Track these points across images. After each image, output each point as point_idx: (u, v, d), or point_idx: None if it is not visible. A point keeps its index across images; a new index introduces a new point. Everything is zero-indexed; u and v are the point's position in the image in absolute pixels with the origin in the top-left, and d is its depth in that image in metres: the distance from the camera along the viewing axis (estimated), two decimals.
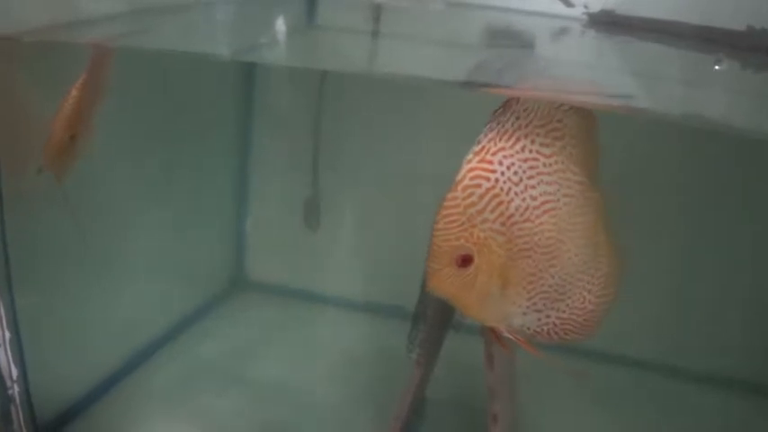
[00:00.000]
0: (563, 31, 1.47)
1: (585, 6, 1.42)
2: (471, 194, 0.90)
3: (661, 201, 1.65)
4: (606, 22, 1.42)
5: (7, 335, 1.33)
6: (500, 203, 0.91)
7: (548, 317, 0.99)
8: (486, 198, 0.90)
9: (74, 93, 1.29)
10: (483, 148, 0.90)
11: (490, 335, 1.02)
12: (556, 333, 1.01)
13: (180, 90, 1.70)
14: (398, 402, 1.44)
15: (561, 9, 1.44)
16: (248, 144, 2.07)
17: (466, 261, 0.91)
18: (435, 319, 1.36)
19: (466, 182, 0.90)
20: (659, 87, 1.26)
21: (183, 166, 1.81)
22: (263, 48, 1.44)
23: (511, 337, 0.99)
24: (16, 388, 1.36)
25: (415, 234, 1.78)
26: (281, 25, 1.55)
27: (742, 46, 1.30)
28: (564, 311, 1.00)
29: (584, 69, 1.35)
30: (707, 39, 1.33)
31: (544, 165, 0.93)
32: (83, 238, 1.42)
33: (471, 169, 0.90)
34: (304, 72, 1.79)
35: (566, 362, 1.14)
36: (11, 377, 1.35)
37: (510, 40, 1.50)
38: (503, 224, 0.91)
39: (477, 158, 0.90)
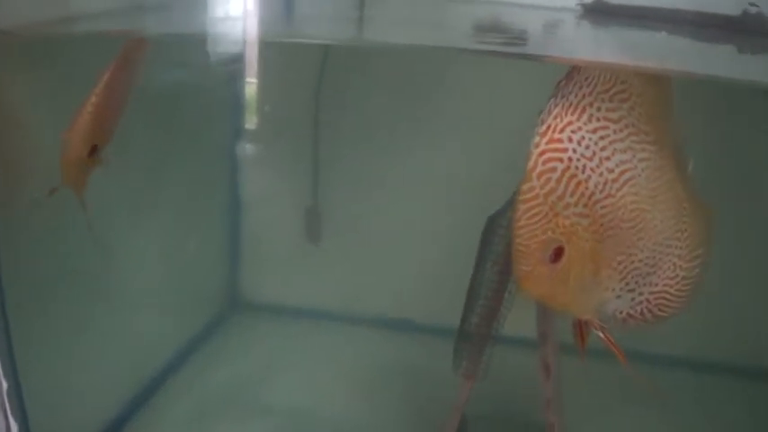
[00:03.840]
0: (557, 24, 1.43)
1: None
2: (548, 180, 0.83)
3: None
4: (601, 12, 1.38)
5: (4, 385, 1.24)
6: (578, 184, 0.84)
7: (641, 294, 0.94)
8: (564, 181, 0.83)
9: (93, 98, 1.13)
10: (549, 126, 0.83)
11: (576, 329, 0.95)
12: (650, 311, 0.96)
13: (162, 97, 1.56)
14: (449, 418, 1.39)
15: (553, 0, 1.40)
16: (239, 149, 1.95)
17: (557, 254, 0.85)
18: (479, 331, 1.31)
19: (540, 168, 0.83)
20: None
21: (167, 177, 1.69)
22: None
23: (602, 335, 0.93)
24: None
25: (425, 243, 1.79)
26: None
27: (738, 30, 1.28)
28: (656, 285, 0.95)
29: None
30: (704, 24, 1.30)
31: (615, 131, 0.86)
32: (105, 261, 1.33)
33: (542, 153, 0.83)
34: (299, 68, 1.71)
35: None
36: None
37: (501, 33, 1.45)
38: (585, 206, 0.85)
39: (546, 139, 0.83)
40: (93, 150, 1.16)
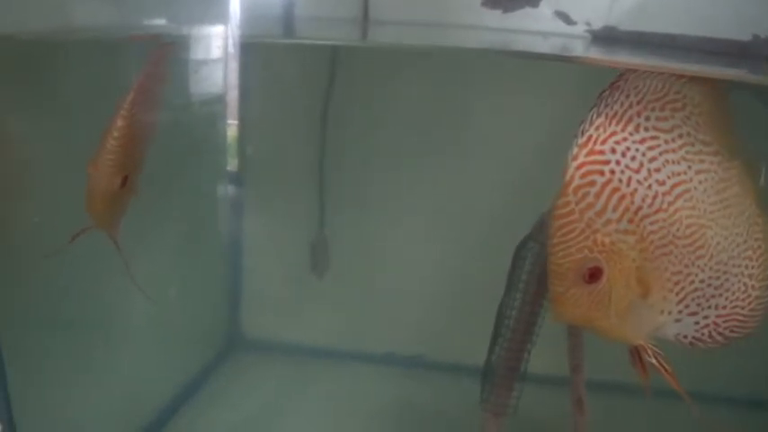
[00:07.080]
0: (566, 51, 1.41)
1: (588, 23, 1.38)
2: (585, 195, 0.79)
3: None
4: (610, 39, 1.37)
5: None
6: (622, 198, 0.80)
7: (706, 318, 0.88)
8: (605, 195, 0.79)
9: (119, 121, 1.00)
10: (589, 138, 0.79)
11: (633, 357, 0.89)
12: (719, 334, 0.90)
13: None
14: None
15: (563, 27, 1.39)
16: (240, 177, 1.85)
17: (595, 275, 0.80)
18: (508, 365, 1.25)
19: (576, 182, 0.79)
20: None
21: (165, 211, 1.62)
22: None
23: (654, 361, 0.86)
24: None
25: (438, 276, 1.72)
26: None
27: (749, 55, 1.26)
28: (725, 307, 0.89)
29: None
30: (714, 50, 1.29)
31: (666, 142, 0.83)
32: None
33: (580, 166, 0.79)
34: (302, 88, 1.67)
35: None
36: None
37: None
38: (630, 221, 0.80)
39: (585, 151, 0.79)
40: (125, 181, 1.04)
